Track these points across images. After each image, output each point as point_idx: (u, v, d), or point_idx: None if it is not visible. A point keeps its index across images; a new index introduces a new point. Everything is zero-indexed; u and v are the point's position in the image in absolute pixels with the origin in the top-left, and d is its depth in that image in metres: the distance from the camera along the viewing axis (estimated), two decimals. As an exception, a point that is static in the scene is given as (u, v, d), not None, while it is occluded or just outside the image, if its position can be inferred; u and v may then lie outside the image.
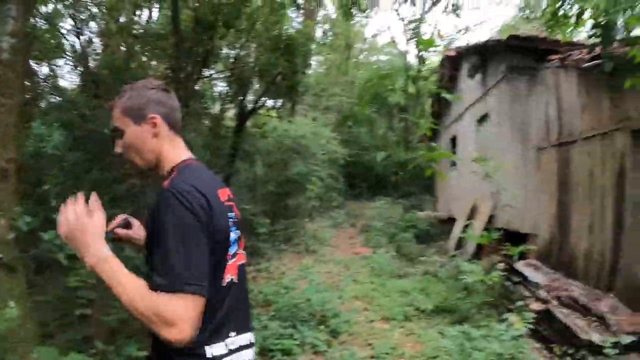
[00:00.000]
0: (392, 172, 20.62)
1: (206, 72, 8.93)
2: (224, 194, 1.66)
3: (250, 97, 10.53)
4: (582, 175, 6.41)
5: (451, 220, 13.49)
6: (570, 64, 6.48)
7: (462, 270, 7.56)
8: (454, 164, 14.63)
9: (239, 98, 10.04)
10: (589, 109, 6.31)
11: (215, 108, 10.72)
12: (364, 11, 7.82)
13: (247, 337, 1.67)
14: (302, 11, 11.93)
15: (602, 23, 5.17)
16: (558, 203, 7.06)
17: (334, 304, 6.58)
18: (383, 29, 43.07)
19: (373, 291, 7.72)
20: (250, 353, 1.67)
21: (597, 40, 5.38)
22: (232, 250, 1.62)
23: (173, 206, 1.40)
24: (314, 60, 22.01)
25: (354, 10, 6.35)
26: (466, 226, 10.88)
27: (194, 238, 1.40)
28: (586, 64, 5.92)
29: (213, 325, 1.50)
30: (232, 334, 1.58)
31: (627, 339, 4.51)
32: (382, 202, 16.08)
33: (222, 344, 1.53)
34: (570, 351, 4.73)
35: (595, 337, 4.56)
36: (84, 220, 1.43)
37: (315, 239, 11.93)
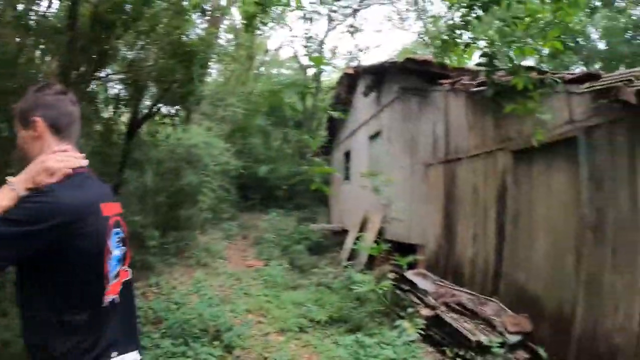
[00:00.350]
0: (286, 185, 20.75)
1: (102, 73, 8.30)
2: (110, 208, 1.61)
3: (145, 102, 9.98)
4: (467, 190, 6.94)
5: (344, 232, 13.84)
6: (459, 88, 7.01)
7: (354, 280, 7.76)
8: (347, 177, 15.10)
9: (133, 103, 9.46)
10: (474, 129, 6.87)
11: (109, 112, 10.02)
12: (265, 24, 7.77)
13: (132, 357, 1.64)
14: (207, 17, 11.58)
15: (488, 53, 5.64)
16: (444, 215, 7.57)
17: (227, 318, 6.36)
18: (287, 42, 43.41)
19: (267, 303, 7.60)
20: None
21: (483, 67, 5.87)
22: (114, 269, 1.60)
23: (25, 208, 1.42)
24: (214, 69, 21.53)
25: (257, 23, 6.26)
26: (358, 238, 11.23)
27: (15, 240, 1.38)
28: (473, 89, 6.44)
29: (94, 346, 1.49)
30: (114, 354, 1.56)
31: (513, 339, 4.90)
32: (274, 214, 16.06)
33: None
34: (461, 352, 5.05)
35: (483, 338, 4.91)
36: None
37: (207, 252, 11.52)
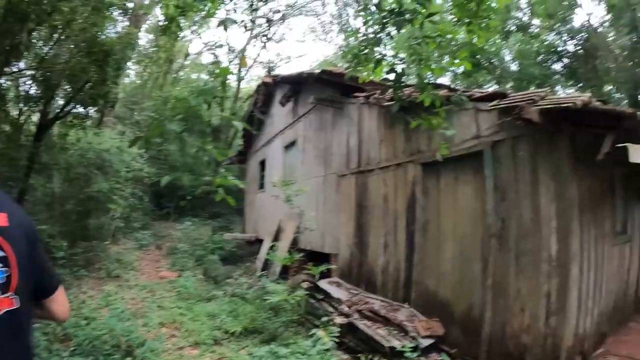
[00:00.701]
0: (192, 195, 19.99)
1: (13, 68, 7.43)
2: None
3: (56, 102, 9.09)
4: (378, 200, 6.98)
5: (259, 241, 13.54)
6: (372, 102, 7.05)
7: (268, 291, 7.53)
8: (262, 186, 14.82)
9: (44, 102, 8.57)
10: (386, 142, 6.94)
11: (18, 111, 9.01)
12: (183, 29, 7.37)
13: None
14: (128, 16, 10.80)
15: (395, 69, 5.70)
16: (356, 225, 7.57)
17: (140, 333, 5.87)
18: (208, 48, 41.95)
19: (180, 316, 7.14)
20: None
21: (390, 83, 5.93)
22: None
23: None
24: (131, 70, 20.25)
25: (177, 26, 5.89)
26: (272, 247, 11.00)
27: None
28: (384, 103, 6.50)
29: None
30: None
31: (425, 342, 4.92)
32: (189, 224, 15.35)
33: None
34: (375, 359, 4.97)
35: (396, 344, 4.88)
36: None
37: (118, 263, 10.66)
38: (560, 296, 4.33)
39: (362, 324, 5.51)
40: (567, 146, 4.42)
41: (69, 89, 8.79)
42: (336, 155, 8.67)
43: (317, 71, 8.38)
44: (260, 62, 25.49)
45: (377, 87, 8.07)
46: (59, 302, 1.57)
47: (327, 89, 8.90)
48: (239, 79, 22.65)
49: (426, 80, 5.18)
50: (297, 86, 11.25)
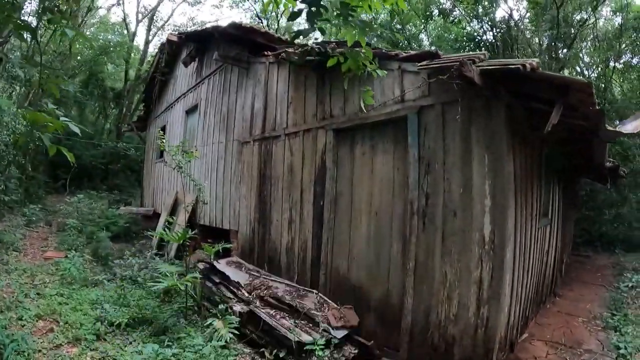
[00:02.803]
0: (102, 164, 17.34)
1: None
2: None
3: None
4: (283, 171, 5.72)
5: (158, 216, 11.77)
6: (283, 59, 5.70)
7: (160, 273, 6.10)
8: (161, 155, 12.94)
9: None
10: (295, 105, 5.65)
11: None
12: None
13: None
14: None
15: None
16: (259, 198, 6.26)
17: (12, 329, 4.46)
18: (116, 4, 37.71)
19: (61, 305, 5.51)
20: None
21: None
22: None
23: None
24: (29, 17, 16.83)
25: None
26: (169, 222, 9.37)
27: None
28: (295, 57, 5.19)
29: None
30: None
31: (338, 334, 3.84)
32: (82, 196, 12.98)
33: None
34: (281, 354, 3.80)
35: (305, 337, 3.72)
36: None
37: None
38: (493, 283, 3.45)
39: (265, 313, 4.25)
40: (505, 116, 3.51)
41: None
42: (239, 120, 7.22)
43: (225, 25, 6.79)
44: (174, 26, 22.96)
45: (289, 45, 6.80)
46: None
47: (235, 47, 7.36)
48: (147, 42, 20.03)
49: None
50: (203, 44, 9.52)
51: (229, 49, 7.24)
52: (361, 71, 3.44)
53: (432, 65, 3.62)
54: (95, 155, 17.42)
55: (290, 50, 5.23)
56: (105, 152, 17.65)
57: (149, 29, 20.04)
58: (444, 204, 3.80)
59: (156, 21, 21.09)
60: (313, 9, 2.86)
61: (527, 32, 14.77)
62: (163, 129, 13.05)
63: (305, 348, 3.77)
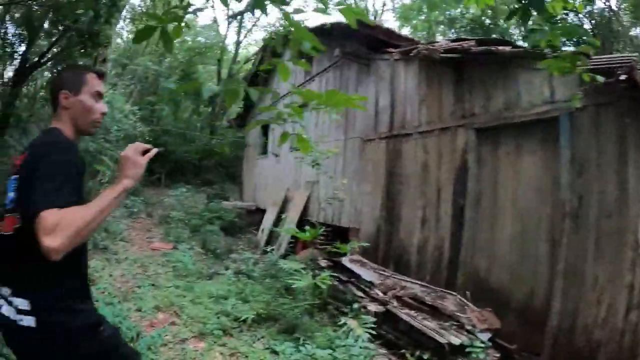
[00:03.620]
0: (195, 159, 19.09)
1: None
2: (19, 158, 1.75)
3: (38, 44, 8.04)
4: (416, 169, 6.23)
5: (260, 211, 12.80)
6: (416, 55, 6.19)
7: (281, 268, 6.81)
8: (264, 152, 14.01)
9: (23, 45, 7.56)
10: (428, 103, 6.15)
11: None
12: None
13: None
14: None
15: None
16: (386, 196, 6.83)
17: (133, 320, 4.86)
18: (206, 6, 41.20)
19: (179, 298, 6.04)
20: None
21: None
22: (7, 206, 1.70)
23: None
24: (124, 31, 19.08)
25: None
26: (279, 218, 10.27)
27: None
28: (438, 55, 5.66)
29: None
30: None
31: (483, 337, 4.27)
32: (183, 190, 14.43)
33: None
34: (425, 356, 4.27)
35: (454, 339, 4.19)
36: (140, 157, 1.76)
37: (106, 233, 9.66)
38: (643, 287, 3.72)
39: (405, 314, 4.78)
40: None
41: (53, 29, 7.76)
42: (360, 117, 7.85)
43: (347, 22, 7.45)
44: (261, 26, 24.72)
45: (411, 42, 7.31)
46: (36, 230, 1.42)
47: (350, 44, 8.03)
48: (238, 42, 21.79)
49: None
50: (312, 41, 10.34)
51: (343, 46, 7.90)
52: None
53: (590, 67, 3.93)
54: (189, 151, 19.15)
55: (428, 48, 5.70)
56: (198, 149, 19.38)
57: (239, 31, 21.95)
58: (597, 206, 4.10)
59: (244, 23, 22.82)
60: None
61: (627, 23, 14.14)
62: (265, 126, 14.13)
63: (453, 348, 4.14)
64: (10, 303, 1.60)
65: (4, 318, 1.59)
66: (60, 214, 1.43)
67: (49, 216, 1.42)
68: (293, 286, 5.63)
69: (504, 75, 5.09)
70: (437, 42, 6.02)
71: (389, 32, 7.36)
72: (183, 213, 12.27)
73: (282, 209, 10.32)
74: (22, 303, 1.57)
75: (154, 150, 1.83)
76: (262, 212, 12.46)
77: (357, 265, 6.30)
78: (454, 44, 5.48)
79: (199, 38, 22.58)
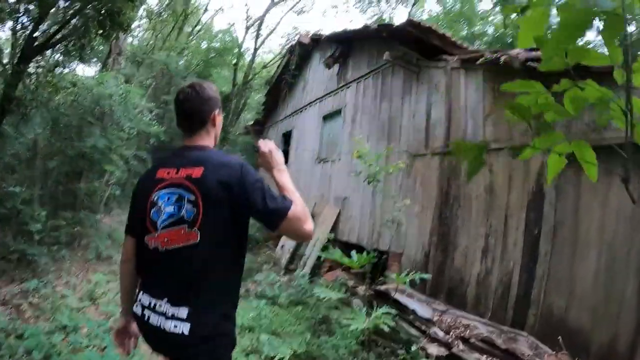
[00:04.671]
0: None
1: None
2: (167, 172, 1.99)
3: (47, 22, 7.71)
4: (478, 191, 5.88)
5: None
6: (487, 63, 5.87)
7: (313, 294, 6.42)
8: (286, 161, 13.72)
9: (33, 20, 7.25)
10: (495, 117, 5.83)
11: None
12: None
13: (153, 302, 1.88)
14: None
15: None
16: (438, 218, 6.48)
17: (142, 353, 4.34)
18: (222, 12, 43.79)
19: None
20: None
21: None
22: (161, 221, 1.92)
23: None
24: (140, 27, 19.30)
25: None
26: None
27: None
28: (519, 65, 5.31)
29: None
30: (140, 293, 1.99)
31: None
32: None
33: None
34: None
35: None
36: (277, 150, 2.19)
37: (111, 241, 9.35)
38: None
39: (475, 359, 4.43)
40: None
41: (67, 4, 7.45)
42: (407, 129, 7.53)
43: (401, 23, 7.16)
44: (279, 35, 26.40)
45: (465, 50, 7.03)
46: (288, 228, 1.84)
47: (398, 49, 7.73)
48: (255, 48, 22.19)
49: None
50: (347, 46, 10.10)
51: (397, 50, 7.62)
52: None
53: None
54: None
55: (511, 54, 5.35)
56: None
57: (257, 36, 22.41)
58: None
59: (261, 30, 23.35)
60: None
61: None
62: (288, 134, 13.86)
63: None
64: (160, 313, 1.85)
65: (155, 327, 1.86)
66: (298, 208, 1.88)
67: (295, 211, 1.85)
68: (349, 328, 5.01)
69: (592, 91, 4.76)
70: (509, 51, 5.68)
71: (444, 37, 7.05)
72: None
73: (308, 225, 10.00)
74: (179, 311, 1.83)
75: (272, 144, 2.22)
76: None
77: (405, 296, 5.94)
78: (533, 53, 5.13)
79: (215, 43, 22.97)
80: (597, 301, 4.46)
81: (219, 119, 2.18)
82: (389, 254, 7.32)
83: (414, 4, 24.80)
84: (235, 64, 20.77)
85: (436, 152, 6.73)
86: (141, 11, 17.21)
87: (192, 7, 21.25)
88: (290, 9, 26.10)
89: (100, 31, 7.14)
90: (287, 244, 10.31)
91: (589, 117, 4.71)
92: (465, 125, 6.26)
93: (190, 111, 2.08)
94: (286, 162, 11.86)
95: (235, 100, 19.99)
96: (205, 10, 23.53)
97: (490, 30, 21.59)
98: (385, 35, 7.65)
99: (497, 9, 22.25)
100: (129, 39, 18.37)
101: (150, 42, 19.01)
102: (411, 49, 7.51)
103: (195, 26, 22.85)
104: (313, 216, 9.94)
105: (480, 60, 5.77)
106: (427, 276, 5.32)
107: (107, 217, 11.05)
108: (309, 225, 1.87)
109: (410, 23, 6.85)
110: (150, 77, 14.29)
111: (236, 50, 22.40)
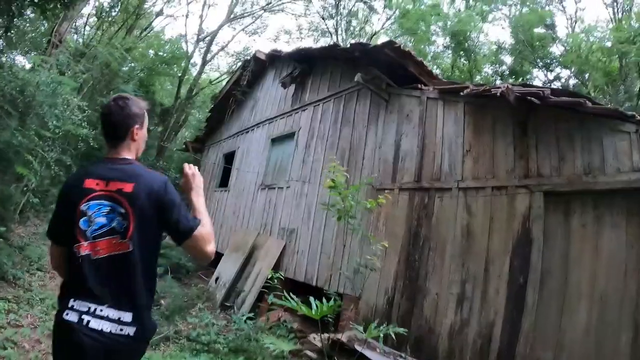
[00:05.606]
0: None
1: None
2: (95, 183, 2.14)
3: None
4: (454, 232, 5.65)
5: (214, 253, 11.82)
6: (471, 95, 5.72)
7: (257, 342, 5.88)
8: (223, 184, 13.15)
9: None
10: (476, 153, 5.68)
11: None
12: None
13: (92, 308, 2.01)
14: None
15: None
16: (406, 261, 6.20)
17: None
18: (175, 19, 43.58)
19: None
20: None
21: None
22: (90, 231, 2.08)
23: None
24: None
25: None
26: (242, 269, 9.36)
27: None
28: (513, 97, 5.17)
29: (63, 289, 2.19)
30: (72, 300, 2.04)
31: None
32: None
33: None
34: None
35: None
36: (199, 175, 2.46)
37: (23, 258, 8.30)
38: None
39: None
40: None
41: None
42: (371, 160, 7.27)
43: (379, 43, 6.95)
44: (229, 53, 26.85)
45: (441, 81, 6.96)
46: (192, 246, 2.15)
47: (366, 72, 7.50)
48: (204, 62, 22.12)
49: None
50: (308, 66, 9.86)
51: (369, 72, 7.40)
52: None
53: None
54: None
55: (507, 87, 5.20)
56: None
57: (206, 51, 23.11)
58: None
59: (211, 45, 23.89)
60: None
61: None
62: (230, 155, 13.34)
63: None
64: (102, 317, 1.99)
65: (97, 331, 1.97)
66: (206, 229, 2.18)
67: (202, 232, 2.15)
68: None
69: (585, 134, 4.72)
70: (491, 85, 5.61)
71: (421, 64, 6.94)
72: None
73: (249, 257, 9.44)
74: (124, 315, 2.02)
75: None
76: (215, 254, 11.47)
77: (366, 348, 5.51)
78: (525, 89, 5.05)
79: (162, 52, 22.91)
80: (588, 355, 4.29)
81: (141, 134, 2.35)
82: (342, 297, 6.92)
83: (370, 39, 25.61)
84: (181, 77, 20.60)
85: (405, 187, 6.50)
86: (90, 8, 16.64)
87: (145, 10, 20.70)
88: (244, 29, 26.45)
89: (41, 8, 6.36)
90: (222, 276, 9.67)
91: (584, 160, 4.65)
92: (441, 160, 6.09)
93: (113, 125, 2.27)
94: (226, 185, 11.44)
95: (176, 114, 19.55)
96: (159, 14, 23.13)
97: (437, 71, 22.66)
98: (358, 54, 7.45)
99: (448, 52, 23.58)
100: (74, 36, 17.64)
101: (96, 37, 18.08)
102: (385, 73, 7.34)
103: (145, 29, 22.25)
104: (254, 248, 9.46)
105: (466, 91, 5.64)
106: (403, 330, 4.95)
107: (21, 227, 9.90)
108: (211, 247, 2.19)
109: (390, 44, 6.66)
110: (89, 73, 13.23)
111: (184, 62, 22.37)
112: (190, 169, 2.46)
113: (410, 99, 6.90)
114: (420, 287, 5.90)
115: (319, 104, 9.16)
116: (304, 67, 9.78)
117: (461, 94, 5.76)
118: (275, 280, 6.15)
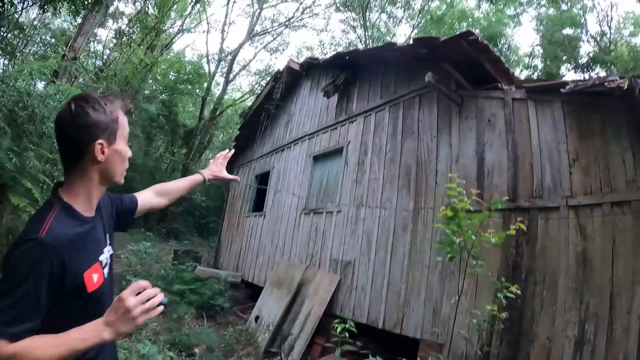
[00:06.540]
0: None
1: None
2: None
3: None
4: (566, 261, 4.90)
5: (247, 285, 11.35)
6: (573, 93, 5.02)
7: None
8: (258, 208, 12.58)
9: None
10: (585, 163, 4.94)
11: None
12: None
13: None
14: None
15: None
16: (505, 298, 5.45)
17: None
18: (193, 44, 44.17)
19: None
20: None
21: None
22: None
23: None
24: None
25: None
26: (290, 308, 8.67)
27: None
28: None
29: None
30: None
31: None
32: (147, 245, 12.60)
33: None
34: None
35: None
36: (137, 310, 1.53)
37: None
38: None
39: None
40: None
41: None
42: (446, 177, 6.57)
43: (449, 36, 6.29)
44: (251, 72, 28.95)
45: (526, 80, 6.27)
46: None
47: (436, 72, 6.80)
48: (227, 81, 22.66)
49: None
50: (352, 72, 9.27)
51: (441, 71, 6.74)
52: None
53: None
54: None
55: (613, 80, 4.51)
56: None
57: (229, 70, 23.66)
58: None
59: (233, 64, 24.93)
60: None
61: None
62: (264, 176, 12.80)
63: None
64: None
65: None
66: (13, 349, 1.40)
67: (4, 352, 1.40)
68: None
69: None
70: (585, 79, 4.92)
71: (498, 61, 6.26)
72: (149, 280, 10.41)
73: (296, 294, 8.75)
74: None
75: (159, 298, 1.61)
76: (251, 287, 11.24)
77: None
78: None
79: (184, 74, 23.77)
80: None
81: (110, 152, 1.71)
82: (420, 342, 6.20)
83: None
84: (204, 97, 20.77)
85: (497, 207, 5.77)
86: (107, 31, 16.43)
87: (164, 29, 21.29)
88: (265, 46, 27.36)
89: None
90: (264, 316, 8.99)
91: None
92: (541, 172, 5.35)
93: (60, 140, 1.69)
94: (260, 209, 10.78)
95: (200, 135, 19.66)
96: (180, 31, 23.84)
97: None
98: (425, 51, 6.78)
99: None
100: (94, 60, 17.84)
101: (115, 59, 18.08)
102: (456, 72, 6.69)
103: (166, 46, 22.84)
104: (301, 284, 8.76)
105: (568, 87, 4.93)
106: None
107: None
108: None
109: (468, 34, 5.97)
110: (110, 85, 12.97)
111: (206, 82, 23.01)
112: (129, 291, 1.58)
113: (490, 102, 6.21)
114: (525, 330, 5.13)
115: (370, 114, 8.52)
116: (347, 74, 9.20)
117: (562, 90, 5.03)
118: (341, 330, 5.52)
